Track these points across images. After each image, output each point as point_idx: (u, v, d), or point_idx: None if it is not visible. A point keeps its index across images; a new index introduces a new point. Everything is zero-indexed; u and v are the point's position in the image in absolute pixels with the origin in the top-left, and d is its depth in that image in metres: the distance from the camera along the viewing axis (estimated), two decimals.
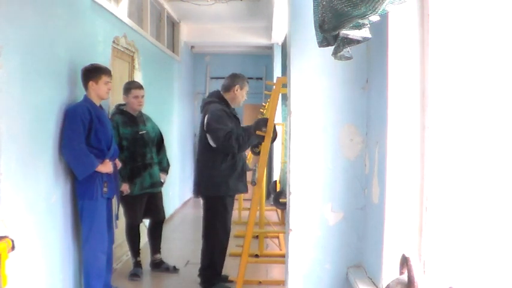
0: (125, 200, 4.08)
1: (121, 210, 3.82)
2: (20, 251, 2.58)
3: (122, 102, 4.23)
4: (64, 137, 3.21)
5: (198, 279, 3.92)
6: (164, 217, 4.50)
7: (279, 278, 4.18)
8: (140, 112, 4.26)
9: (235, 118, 3.90)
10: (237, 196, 6.78)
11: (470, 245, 1.74)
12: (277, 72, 8.33)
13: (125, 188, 3.99)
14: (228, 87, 3.89)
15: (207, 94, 7.96)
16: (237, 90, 3.86)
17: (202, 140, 3.85)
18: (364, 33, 1.45)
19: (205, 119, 3.76)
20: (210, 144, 3.75)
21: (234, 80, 3.89)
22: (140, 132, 4.14)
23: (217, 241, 3.84)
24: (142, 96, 4.19)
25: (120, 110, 4.18)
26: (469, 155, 1.73)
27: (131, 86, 4.18)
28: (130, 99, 4.14)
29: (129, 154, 4.06)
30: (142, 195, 4.15)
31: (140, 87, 4.21)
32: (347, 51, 1.62)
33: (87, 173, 3.25)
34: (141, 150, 4.14)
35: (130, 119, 4.14)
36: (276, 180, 6.92)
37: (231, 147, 3.64)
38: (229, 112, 3.84)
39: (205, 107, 3.89)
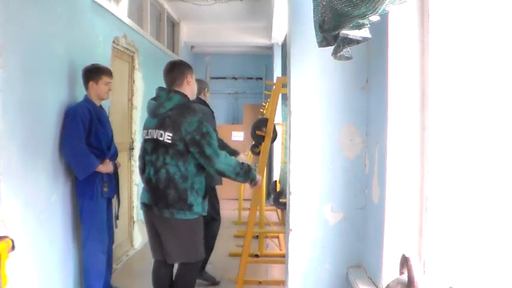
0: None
1: (121, 210, 3.81)
2: (20, 251, 2.58)
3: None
4: (64, 137, 3.21)
5: (198, 280, 3.94)
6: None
7: (279, 278, 4.18)
8: None
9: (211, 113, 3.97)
10: (237, 196, 6.85)
11: (470, 245, 1.73)
12: (277, 72, 8.33)
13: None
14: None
15: None
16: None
17: None
18: (364, 33, 1.45)
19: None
20: None
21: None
22: None
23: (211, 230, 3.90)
24: None
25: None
26: (469, 155, 1.73)
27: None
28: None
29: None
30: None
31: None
32: (347, 51, 1.62)
33: (87, 173, 3.25)
34: None
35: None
36: (276, 180, 6.93)
37: None
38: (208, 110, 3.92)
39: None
